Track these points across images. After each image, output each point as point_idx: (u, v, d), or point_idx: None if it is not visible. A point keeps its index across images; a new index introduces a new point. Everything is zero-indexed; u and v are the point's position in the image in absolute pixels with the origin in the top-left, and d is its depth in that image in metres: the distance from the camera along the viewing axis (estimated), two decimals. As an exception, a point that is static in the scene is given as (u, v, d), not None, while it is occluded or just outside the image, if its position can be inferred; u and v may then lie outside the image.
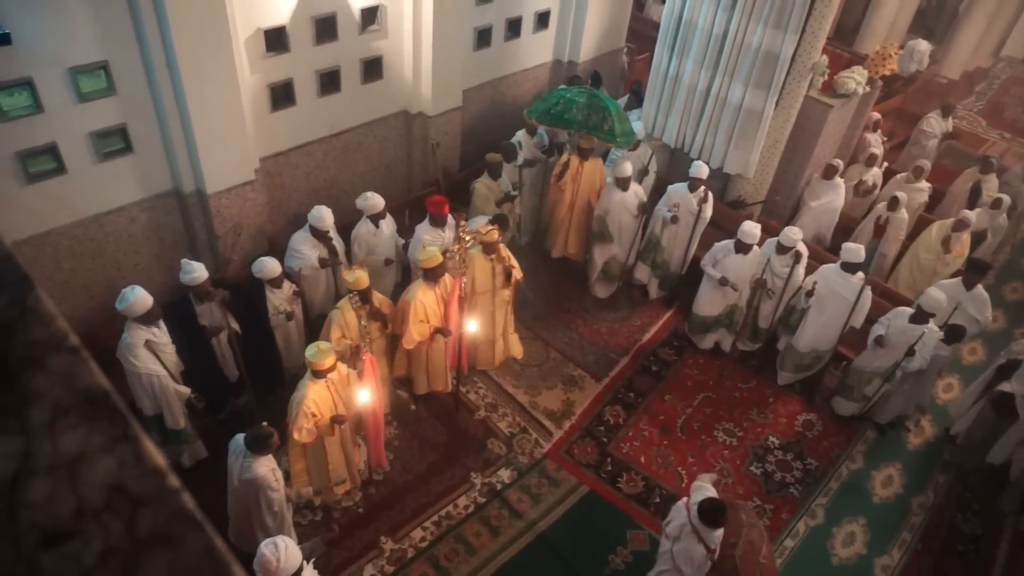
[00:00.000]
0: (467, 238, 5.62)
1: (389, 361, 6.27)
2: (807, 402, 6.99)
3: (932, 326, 6.12)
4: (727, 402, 6.95)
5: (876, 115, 9.54)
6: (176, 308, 5.53)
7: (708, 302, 7.06)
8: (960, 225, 7.41)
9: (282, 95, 6.56)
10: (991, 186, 8.97)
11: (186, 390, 5.27)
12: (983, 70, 14.17)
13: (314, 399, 4.88)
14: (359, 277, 5.40)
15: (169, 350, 5.20)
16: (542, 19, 8.81)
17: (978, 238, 8.25)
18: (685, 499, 4.62)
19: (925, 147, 9.96)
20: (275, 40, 6.24)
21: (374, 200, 6.36)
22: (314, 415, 4.89)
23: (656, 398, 6.90)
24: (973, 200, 8.88)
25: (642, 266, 7.70)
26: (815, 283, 6.49)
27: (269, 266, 5.72)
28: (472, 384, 6.80)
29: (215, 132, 5.86)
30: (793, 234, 6.52)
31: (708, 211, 7.12)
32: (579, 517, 5.85)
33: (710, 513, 4.31)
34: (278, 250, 6.33)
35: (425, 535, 5.59)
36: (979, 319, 6.65)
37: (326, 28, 6.53)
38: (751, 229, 6.53)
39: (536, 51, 9.07)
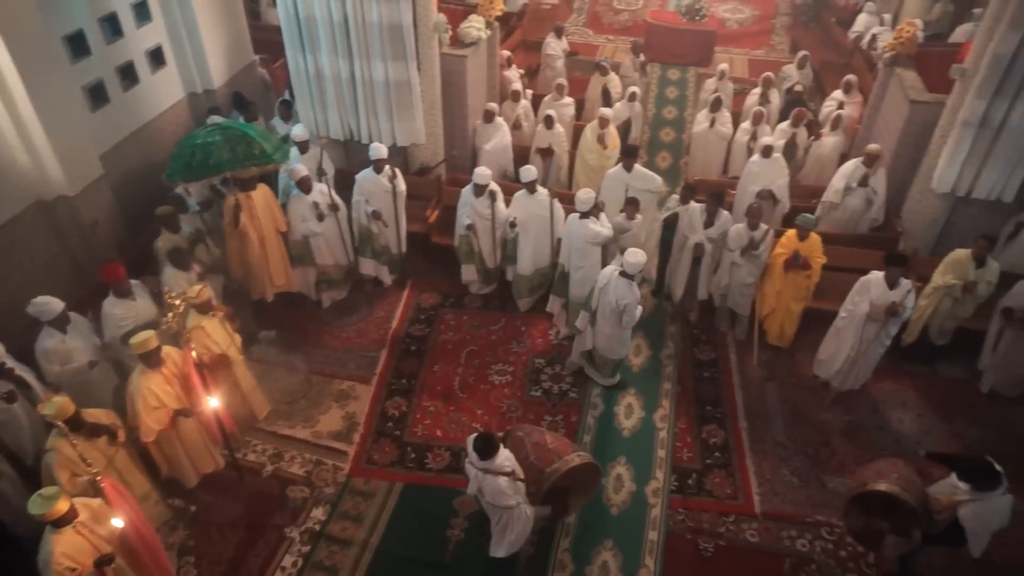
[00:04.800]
0: (178, 303, 5.17)
1: (145, 467, 5.59)
2: (549, 316, 7.67)
3: (603, 218, 6.98)
4: (489, 347, 7.37)
5: (506, 53, 10.49)
6: None
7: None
8: (603, 122, 8.55)
9: None
10: (615, 83, 10.44)
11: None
12: (575, -11, 16.12)
13: (64, 552, 4.18)
14: (60, 406, 4.66)
15: None
16: (156, 57, 8.17)
17: (625, 128, 9.59)
18: (466, 459, 4.96)
19: (555, 68, 11.23)
20: None
21: (48, 304, 5.53)
22: (72, 569, 4.21)
23: (427, 374, 7.08)
24: (606, 99, 10.28)
25: (365, 260, 7.73)
26: (512, 214, 7.13)
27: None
28: (247, 445, 6.36)
29: None
30: (481, 171, 7.07)
31: (401, 185, 7.36)
32: (405, 513, 5.87)
33: (481, 444, 4.72)
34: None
35: (264, 614, 5.22)
36: (651, 189, 7.76)
37: None
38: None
39: (165, 91, 8.41)
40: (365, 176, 7.30)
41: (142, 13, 7.95)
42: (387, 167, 7.23)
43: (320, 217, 7.06)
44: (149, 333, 5.29)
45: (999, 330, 6.58)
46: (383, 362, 7.19)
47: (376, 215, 7.24)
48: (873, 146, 7.69)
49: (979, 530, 4.56)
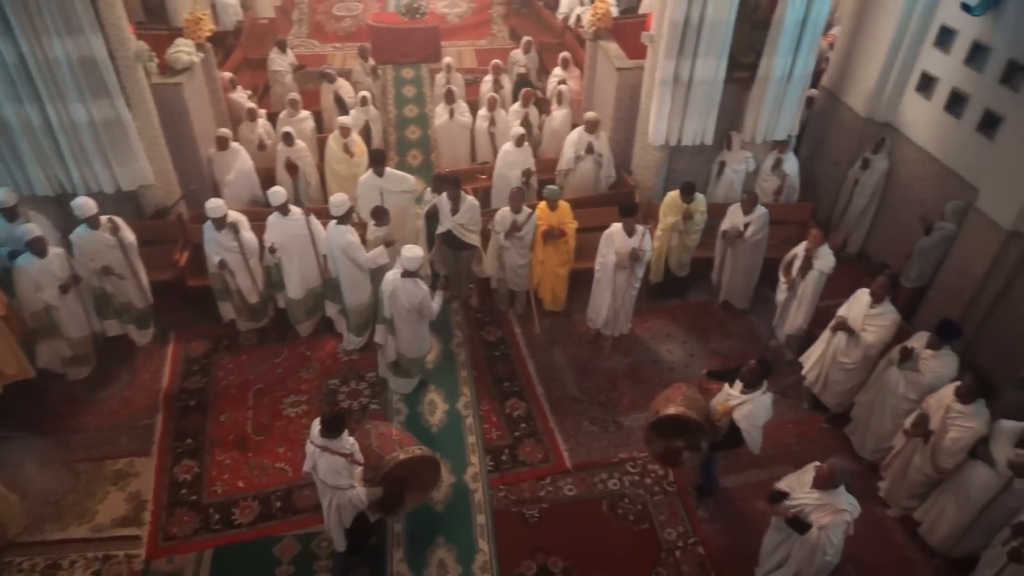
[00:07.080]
0: None
1: None
2: (334, 335, 7.50)
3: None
4: (276, 381, 7.00)
5: (228, 74, 9.92)
6: None
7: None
8: (344, 131, 8.43)
9: None
10: (346, 89, 10.31)
11: None
12: (290, 0, 15.58)
13: None
14: None
15: None
16: None
17: (366, 133, 9.53)
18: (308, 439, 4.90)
19: (285, 83, 10.83)
20: None
21: None
22: None
23: (214, 426, 6.54)
24: (342, 107, 10.11)
25: (111, 323, 6.91)
26: (270, 240, 6.83)
27: None
28: (7, 568, 5.42)
29: None
30: (213, 204, 6.67)
31: (128, 235, 6.65)
32: (222, 580, 5.42)
33: (329, 422, 4.71)
34: None
35: None
36: (406, 189, 7.79)
37: None
38: None
39: None
40: (81, 236, 6.46)
41: None
42: (103, 219, 6.49)
43: (64, 288, 6.22)
44: None
45: (722, 251, 7.62)
46: (160, 427, 6.51)
47: (107, 270, 6.50)
48: (590, 114, 8.48)
49: (751, 427, 5.21)
